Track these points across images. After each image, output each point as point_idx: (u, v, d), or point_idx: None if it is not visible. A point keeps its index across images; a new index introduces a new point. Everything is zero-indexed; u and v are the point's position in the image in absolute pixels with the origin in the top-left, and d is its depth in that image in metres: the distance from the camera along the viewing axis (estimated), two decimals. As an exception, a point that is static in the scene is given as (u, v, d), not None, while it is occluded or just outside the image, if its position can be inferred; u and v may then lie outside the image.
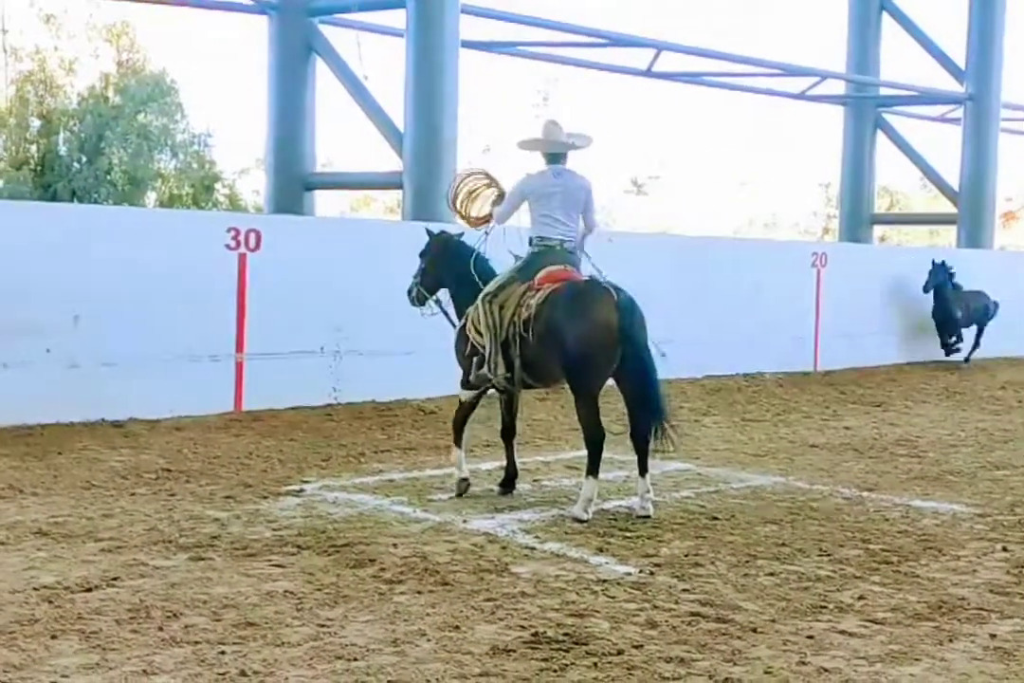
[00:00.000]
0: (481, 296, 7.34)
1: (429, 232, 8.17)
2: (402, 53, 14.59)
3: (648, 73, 19.72)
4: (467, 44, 15.48)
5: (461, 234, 8.12)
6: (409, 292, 8.09)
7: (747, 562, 6.01)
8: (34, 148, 23.40)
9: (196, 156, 25.05)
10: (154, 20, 30.46)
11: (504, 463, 7.81)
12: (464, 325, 7.56)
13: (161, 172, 24.93)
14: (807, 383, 14.48)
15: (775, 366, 14.92)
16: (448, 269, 7.87)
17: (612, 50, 18.92)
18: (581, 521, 6.79)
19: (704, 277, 14.25)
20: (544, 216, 7.36)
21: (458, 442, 7.67)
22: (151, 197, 25.05)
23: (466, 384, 7.58)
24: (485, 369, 7.28)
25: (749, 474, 8.53)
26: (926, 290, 16.68)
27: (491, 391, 7.74)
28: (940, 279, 16.73)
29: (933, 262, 16.76)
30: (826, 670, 4.48)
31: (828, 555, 6.19)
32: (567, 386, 7.27)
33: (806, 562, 6.04)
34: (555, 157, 7.50)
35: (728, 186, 37.51)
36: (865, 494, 7.85)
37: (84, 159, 23.20)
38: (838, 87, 23.00)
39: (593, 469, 7.01)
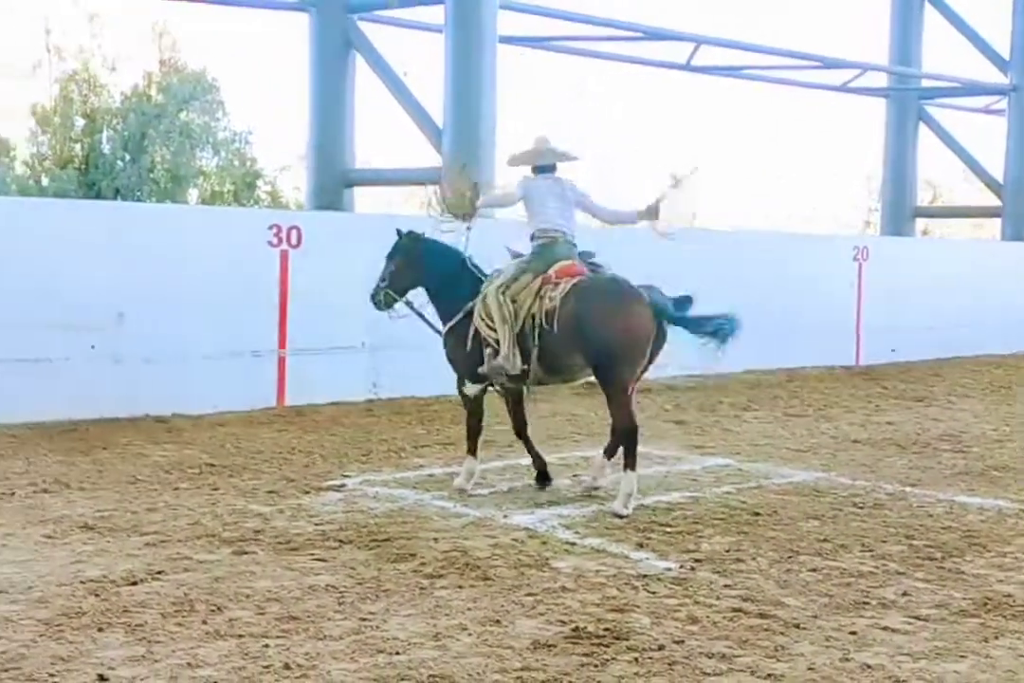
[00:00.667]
0: (494, 288, 7.32)
1: (399, 232, 7.89)
2: (440, 49, 14.61)
3: (687, 67, 19.61)
4: (505, 39, 15.47)
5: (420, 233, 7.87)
6: (374, 296, 7.78)
7: (789, 558, 5.98)
8: (78, 147, 23.66)
9: (237, 153, 25.23)
10: (196, 19, 30.76)
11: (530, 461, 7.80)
12: (454, 323, 7.51)
13: (203, 170, 25.14)
14: (849, 378, 14.39)
15: (816, 360, 14.83)
16: (429, 269, 7.67)
17: (650, 44, 18.82)
18: (621, 516, 6.80)
19: (744, 271, 14.18)
20: (541, 212, 7.55)
21: (474, 451, 7.62)
22: (193, 194, 25.27)
23: (474, 378, 7.52)
24: (500, 361, 7.28)
25: (791, 469, 8.48)
26: None
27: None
28: None
29: None
30: (869, 667, 4.45)
31: (871, 551, 6.15)
32: (585, 380, 7.39)
33: (848, 558, 6.00)
34: (544, 169, 7.68)
35: (767, 180, 37.28)
36: (908, 490, 7.78)
37: (127, 157, 23.43)
38: (880, 79, 22.75)
39: (631, 463, 7.05)
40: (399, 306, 7.81)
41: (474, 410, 7.67)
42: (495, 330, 7.28)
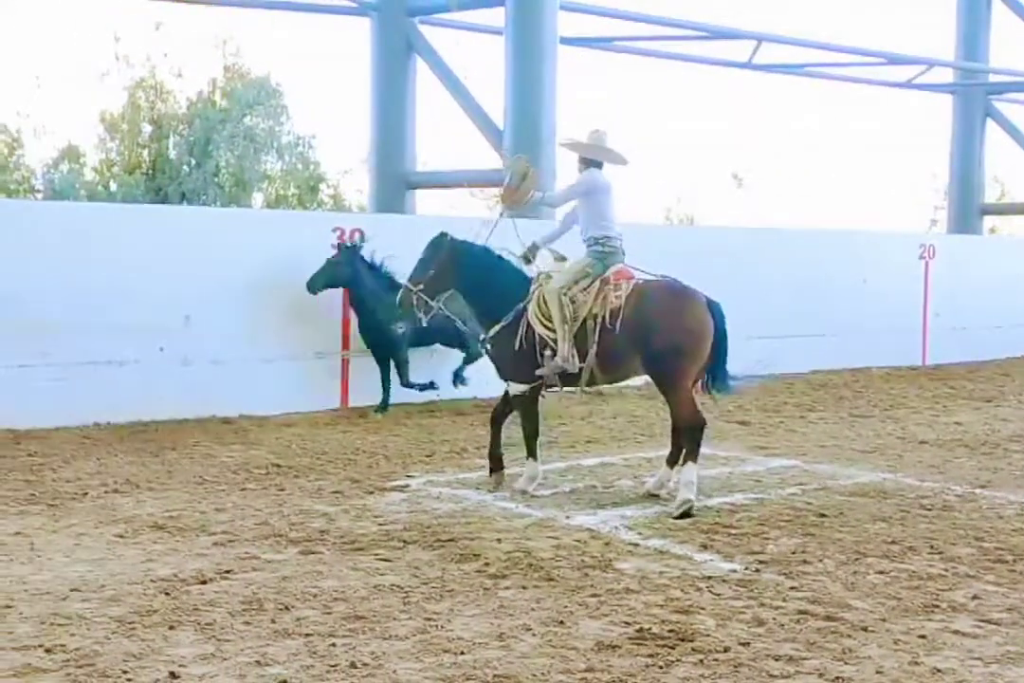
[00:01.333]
0: (555, 290, 7.34)
1: (443, 236, 7.73)
2: (501, 50, 14.65)
3: (748, 65, 19.46)
4: (565, 40, 15.47)
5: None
6: (404, 300, 7.65)
7: (856, 560, 5.92)
8: (146, 152, 24.04)
9: (301, 157, 25.47)
10: (259, 25, 31.10)
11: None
12: (505, 324, 7.48)
13: (267, 174, 25.41)
14: (915, 377, 14.19)
15: (882, 360, 14.65)
16: (466, 271, 7.60)
17: (711, 43, 18.72)
18: (689, 502, 6.84)
19: (808, 270, 14.05)
20: (607, 216, 7.58)
21: (534, 453, 7.60)
22: (258, 198, 25.55)
23: (523, 379, 7.52)
24: (559, 361, 7.33)
25: (857, 471, 8.39)
26: None
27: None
28: None
29: None
30: (939, 671, 4.39)
31: (940, 553, 6.06)
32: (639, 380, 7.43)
33: (917, 560, 5.93)
34: (599, 164, 7.66)
35: (831, 178, 36.85)
36: (978, 491, 7.66)
37: (193, 162, 23.76)
38: (946, 75, 22.40)
39: (694, 456, 7.15)
40: (423, 310, 7.68)
41: (529, 412, 7.67)
42: (554, 330, 7.31)
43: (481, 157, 16.34)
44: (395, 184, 16.52)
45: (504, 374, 7.71)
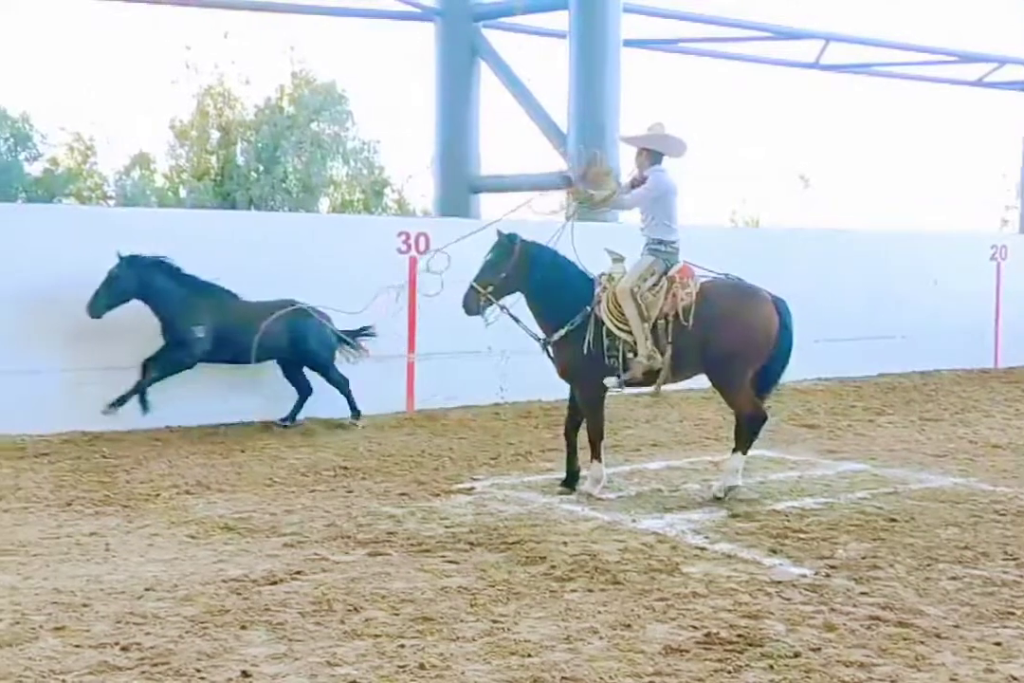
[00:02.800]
0: (626, 290, 7.36)
1: (499, 233, 7.70)
2: (564, 54, 14.67)
3: (816, 65, 19.29)
4: (629, 42, 15.45)
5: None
6: (470, 301, 7.56)
7: (928, 565, 5.83)
8: (214, 159, 24.41)
9: (366, 162, 25.69)
10: (325, 32, 31.42)
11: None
12: (586, 323, 7.46)
13: (333, 179, 25.67)
14: (987, 380, 13.93)
15: (953, 363, 14.41)
16: (535, 274, 7.56)
17: (778, 43, 18.57)
18: (733, 488, 7.14)
19: (877, 272, 13.87)
20: (671, 217, 7.58)
21: (599, 456, 7.60)
22: (324, 203, 25.82)
23: (595, 382, 7.55)
24: (643, 359, 7.38)
25: (928, 475, 8.26)
26: None
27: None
28: None
29: None
30: (1015, 679, 4.32)
31: (1014, 559, 5.95)
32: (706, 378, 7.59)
33: (991, 566, 5.83)
34: (660, 159, 7.61)
35: (899, 178, 36.34)
36: (1053, 497, 7.51)
37: (261, 168, 24.07)
38: (1017, 72, 22.01)
39: (745, 447, 7.39)
40: (491, 310, 7.66)
41: (595, 415, 7.68)
42: (630, 331, 7.32)
43: (545, 161, 16.36)
44: (459, 188, 16.62)
45: (572, 377, 7.70)
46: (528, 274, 7.59)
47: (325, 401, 10.16)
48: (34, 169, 24.91)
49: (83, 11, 28.15)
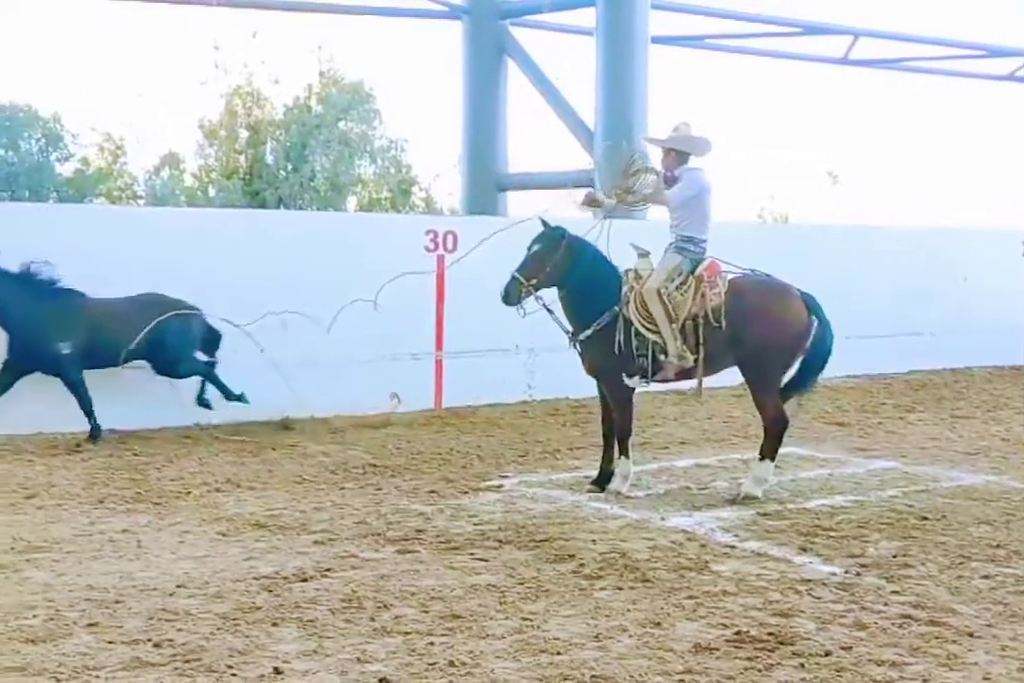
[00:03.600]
0: (652, 290, 7.32)
1: (546, 224, 7.60)
2: (592, 51, 14.65)
3: (844, 61, 19.18)
4: (656, 39, 15.40)
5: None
6: (512, 292, 7.44)
7: (960, 564, 5.79)
8: (243, 158, 24.51)
9: (393, 161, 25.72)
10: (352, 31, 31.51)
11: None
12: (615, 321, 7.42)
13: (361, 178, 25.72)
14: (1019, 377, 13.82)
15: (984, 360, 14.28)
16: (576, 269, 7.49)
17: (806, 38, 18.48)
18: (754, 497, 7.10)
19: (907, 269, 13.77)
20: (706, 216, 7.55)
21: (627, 453, 7.58)
22: (352, 202, 25.88)
23: (623, 380, 7.53)
24: (673, 359, 7.36)
25: (959, 473, 8.20)
26: None
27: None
28: None
29: None
30: (1049, 678, 4.28)
31: (1048, 558, 5.91)
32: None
33: (1023, 565, 5.79)
34: (688, 157, 7.57)
35: (928, 174, 36.09)
36: (1088, 495, 7.44)
37: (289, 167, 24.16)
38: (1050, 66, 21.79)
39: (772, 453, 7.39)
40: (526, 303, 7.54)
41: (625, 412, 7.66)
42: (658, 331, 7.30)
43: (572, 158, 16.35)
44: (486, 186, 16.64)
45: (602, 375, 7.66)
46: (570, 270, 7.51)
47: (352, 398, 10.19)
48: (65, 169, 25.11)
49: (114, 11, 28.36)
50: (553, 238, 7.55)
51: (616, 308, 7.47)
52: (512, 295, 7.47)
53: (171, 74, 24.08)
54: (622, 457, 7.59)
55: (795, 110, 34.70)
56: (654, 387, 7.98)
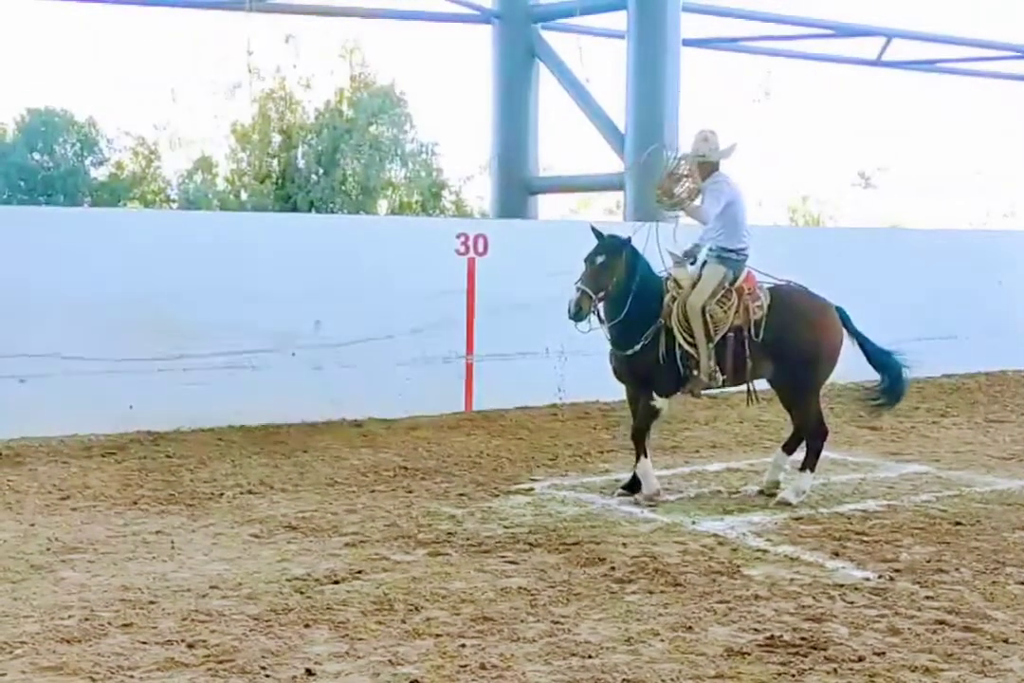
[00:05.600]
0: (696, 305, 7.26)
1: (599, 234, 7.38)
2: (623, 54, 14.63)
3: (878, 63, 19.06)
4: (688, 42, 15.37)
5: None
6: (582, 307, 7.16)
7: (995, 569, 5.75)
8: (275, 162, 24.67)
9: (424, 164, 25.79)
10: (384, 35, 31.64)
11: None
12: (660, 332, 7.32)
13: (392, 181, 25.81)
14: (1055, 382, 13.67)
15: (1019, 364, 14.15)
16: (637, 283, 7.29)
17: (839, 40, 18.38)
18: (788, 505, 7.10)
19: (941, 272, 13.67)
20: (742, 224, 7.50)
21: (646, 451, 7.53)
22: (383, 205, 25.98)
23: (668, 393, 7.50)
24: (704, 377, 7.34)
25: (994, 477, 8.13)
26: None
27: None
28: None
29: None
30: (1085, 685, 4.24)
31: (1084, 564, 5.84)
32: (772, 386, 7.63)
33: (1060, 571, 5.73)
34: (718, 164, 7.51)
35: (962, 177, 35.80)
36: (1125, 500, 7.36)
37: (321, 171, 24.28)
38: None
39: (812, 465, 7.43)
40: (590, 318, 7.28)
41: (652, 420, 7.57)
42: (695, 345, 7.27)
43: (603, 161, 16.33)
44: (517, 189, 16.65)
45: (652, 388, 7.46)
46: (627, 282, 7.29)
47: (382, 401, 10.23)
48: (99, 173, 25.34)
49: (149, 17, 28.60)
50: (616, 248, 7.32)
51: (660, 320, 7.36)
52: (583, 310, 7.16)
53: (205, 79, 24.20)
54: (642, 457, 7.47)
55: (828, 112, 34.56)
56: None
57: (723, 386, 7.56)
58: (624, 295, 7.30)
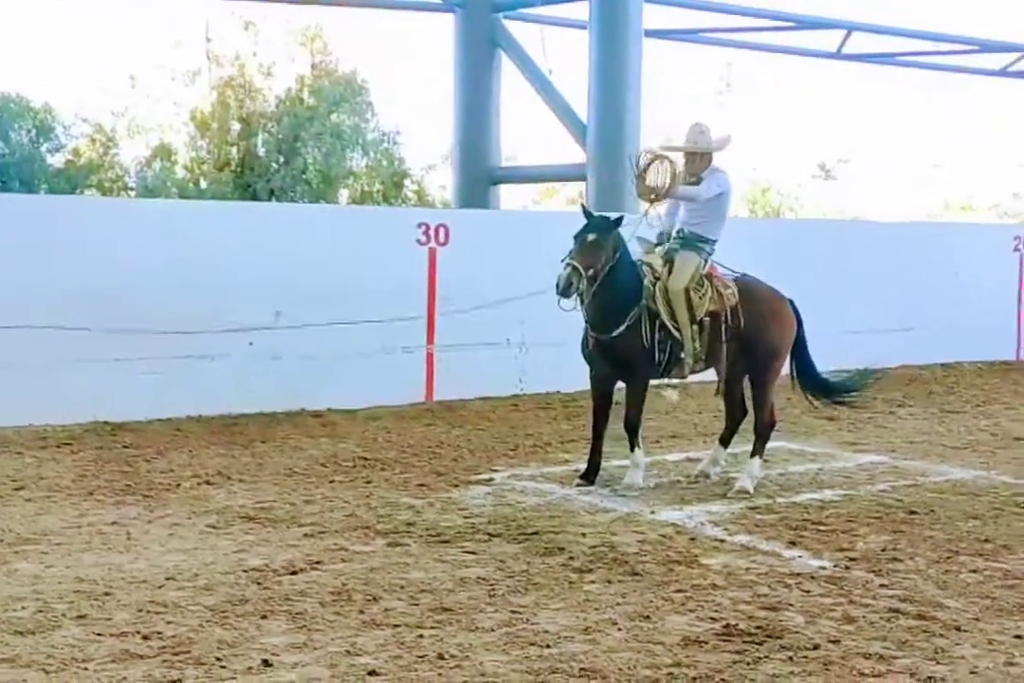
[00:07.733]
0: (684, 291, 7.33)
1: (588, 212, 7.42)
2: (585, 45, 14.63)
3: (837, 55, 19.19)
4: (649, 33, 15.39)
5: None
6: (571, 281, 7.01)
7: (948, 558, 5.82)
8: (234, 150, 24.41)
9: (386, 154, 25.64)
10: (345, 23, 31.42)
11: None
12: (642, 315, 7.34)
13: (353, 170, 25.64)
14: (1009, 373, 13.85)
15: (974, 355, 14.32)
16: (617, 261, 7.26)
17: (799, 33, 18.48)
18: (747, 494, 7.19)
19: (898, 264, 13.79)
20: (722, 217, 7.63)
21: (640, 444, 7.60)
22: (344, 194, 25.81)
23: (650, 378, 7.61)
24: (689, 360, 7.44)
25: (948, 467, 8.23)
26: None
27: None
28: None
29: None
30: (1035, 672, 4.30)
31: (1036, 552, 5.93)
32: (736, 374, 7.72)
33: (1011, 559, 5.80)
34: (712, 157, 7.61)
35: (921, 169, 36.13)
36: (1076, 489, 7.47)
37: (281, 159, 24.07)
38: (1041, 62, 21.82)
39: (761, 452, 7.61)
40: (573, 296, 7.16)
41: (641, 406, 7.62)
42: (680, 330, 7.34)
43: (565, 152, 16.34)
44: (479, 179, 16.62)
45: (633, 373, 7.48)
46: (615, 262, 7.24)
47: (342, 392, 10.20)
48: (56, 160, 25.00)
49: (106, 2, 28.28)
50: (606, 227, 7.26)
51: (643, 302, 7.37)
52: (572, 285, 7.02)
53: (163, 65, 23.91)
54: (637, 449, 7.53)
55: (789, 104, 34.75)
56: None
57: (702, 371, 7.68)
58: (609, 275, 7.22)
